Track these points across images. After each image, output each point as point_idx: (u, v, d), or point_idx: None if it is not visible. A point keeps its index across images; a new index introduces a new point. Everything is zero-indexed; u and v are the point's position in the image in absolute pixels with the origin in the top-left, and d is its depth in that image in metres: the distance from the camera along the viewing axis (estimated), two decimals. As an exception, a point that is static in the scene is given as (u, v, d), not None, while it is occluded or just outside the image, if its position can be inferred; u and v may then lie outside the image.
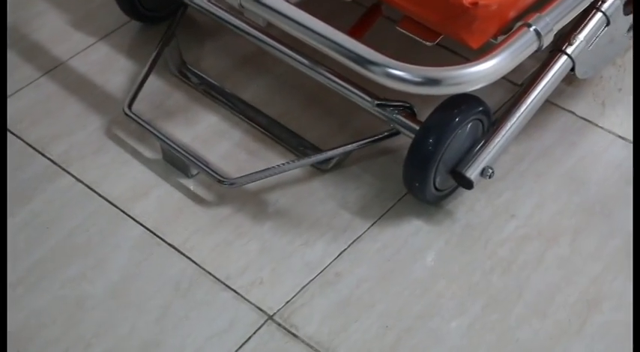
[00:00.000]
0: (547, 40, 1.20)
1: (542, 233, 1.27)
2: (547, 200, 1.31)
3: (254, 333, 1.17)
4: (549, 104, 1.42)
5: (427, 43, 1.22)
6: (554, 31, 1.21)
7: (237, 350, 1.15)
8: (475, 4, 1.15)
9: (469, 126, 1.24)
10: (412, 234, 1.27)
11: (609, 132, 1.40)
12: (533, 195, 1.32)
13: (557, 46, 1.30)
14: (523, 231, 1.27)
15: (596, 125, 1.41)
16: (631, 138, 1.38)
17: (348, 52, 1.18)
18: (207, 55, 1.51)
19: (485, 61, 1.16)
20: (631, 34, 1.39)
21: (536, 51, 1.19)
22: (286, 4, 1.23)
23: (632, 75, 1.44)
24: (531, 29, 1.18)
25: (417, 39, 1.23)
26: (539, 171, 1.35)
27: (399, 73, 1.16)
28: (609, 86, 1.46)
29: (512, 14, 1.20)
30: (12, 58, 1.51)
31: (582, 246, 1.26)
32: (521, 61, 1.18)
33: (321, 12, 1.22)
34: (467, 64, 1.15)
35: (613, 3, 1.31)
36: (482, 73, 1.15)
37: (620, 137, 1.39)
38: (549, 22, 1.20)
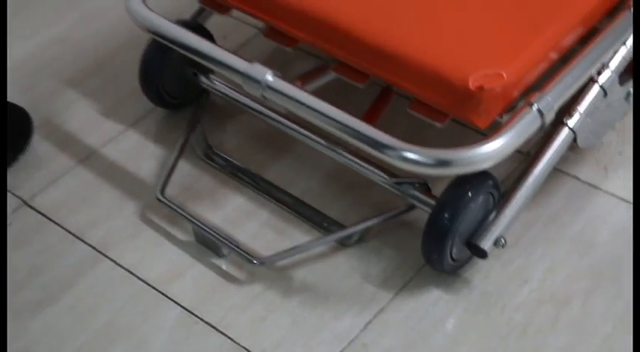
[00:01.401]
0: (549, 117, 1.29)
1: (554, 296, 1.35)
2: (558, 264, 1.39)
3: (289, 405, 1.25)
4: (555, 170, 1.50)
5: (437, 125, 1.32)
6: (556, 109, 1.30)
7: None
8: (481, 88, 1.24)
9: (481, 199, 1.32)
10: (432, 303, 1.35)
11: (613, 195, 1.48)
12: (545, 259, 1.40)
13: (559, 119, 1.39)
14: (536, 295, 1.36)
15: (600, 189, 1.50)
16: (632, 199, 1.47)
17: (365, 137, 1.28)
18: (231, 137, 1.60)
19: (493, 141, 1.25)
20: (629, 100, 1.48)
21: (539, 128, 1.28)
22: (305, 94, 1.32)
23: (632, 127, 1.53)
24: (534, 108, 1.27)
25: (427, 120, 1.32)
26: (549, 236, 1.43)
27: (413, 156, 1.25)
28: (610, 151, 1.55)
29: (515, 94, 1.29)
30: (47, 148, 1.60)
31: (593, 308, 1.34)
32: (526, 139, 1.27)
33: (338, 95, 1.31)
34: (475, 145, 1.24)
35: (609, 77, 1.40)
36: (491, 153, 1.25)
37: (623, 200, 1.47)
38: (550, 101, 1.29)
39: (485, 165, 1.25)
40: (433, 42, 1.31)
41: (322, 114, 1.31)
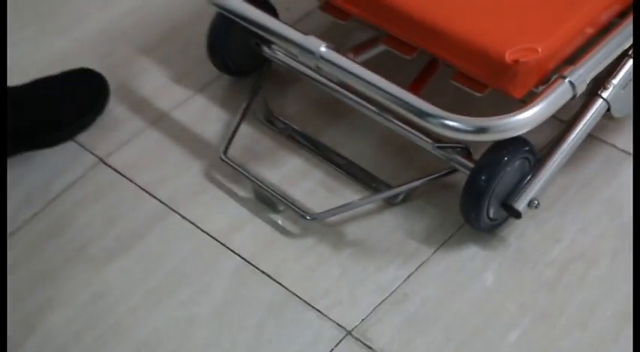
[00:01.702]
0: (580, 89, 1.39)
1: (584, 255, 1.46)
2: (589, 225, 1.50)
3: (335, 346, 1.38)
4: (593, 138, 1.60)
5: (477, 94, 1.43)
6: (587, 81, 1.40)
7: (322, 360, 1.37)
8: (516, 61, 1.35)
9: (517, 163, 1.43)
10: (470, 258, 1.47)
11: (646, 162, 1.58)
12: (577, 221, 1.50)
13: (594, 90, 1.49)
14: (567, 253, 1.47)
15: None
16: (666, 167, 1.56)
17: (409, 106, 1.39)
18: (290, 103, 1.73)
19: (527, 110, 1.35)
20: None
21: (571, 99, 1.39)
22: (356, 65, 1.44)
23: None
24: (566, 81, 1.38)
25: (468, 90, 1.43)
26: (582, 199, 1.53)
27: (453, 124, 1.36)
28: (645, 121, 1.64)
29: (550, 67, 1.39)
30: (122, 111, 1.74)
31: (620, 266, 1.44)
32: (557, 109, 1.37)
33: (389, 64, 1.43)
34: (511, 114, 1.35)
35: (643, 50, 1.49)
36: (524, 121, 1.35)
37: (656, 167, 1.57)
38: (582, 74, 1.39)
39: (518, 132, 1.36)
40: (474, 18, 1.41)
41: (370, 83, 1.42)
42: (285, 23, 1.54)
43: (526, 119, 1.35)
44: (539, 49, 1.36)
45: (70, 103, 1.70)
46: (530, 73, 1.37)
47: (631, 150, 1.60)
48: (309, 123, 1.68)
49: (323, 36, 1.48)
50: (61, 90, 1.72)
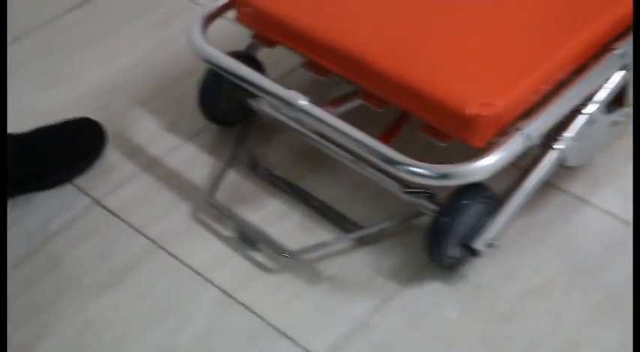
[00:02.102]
0: (534, 141, 1.53)
1: (537, 291, 1.59)
2: (543, 264, 1.63)
3: (307, 371, 1.50)
4: (549, 185, 1.74)
5: (442, 144, 1.57)
6: (541, 134, 1.54)
7: (294, 385, 1.49)
8: (476, 115, 1.49)
9: (477, 207, 1.57)
10: (432, 293, 1.60)
11: (597, 208, 1.71)
12: (532, 260, 1.63)
13: (550, 142, 1.63)
14: (522, 289, 1.59)
15: (588, 202, 1.73)
16: (616, 212, 1.70)
17: (379, 154, 1.52)
18: (273, 151, 1.87)
19: (484, 159, 1.48)
20: (617, 128, 1.71)
21: (525, 149, 1.53)
22: (332, 117, 1.58)
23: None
24: (521, 133, 1.52)
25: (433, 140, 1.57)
26: (538, 240, 1.67)
27: (418, 170, 1.49)
28: (600, 170, 1.78)
29: (506, 121, 1.53)
30: (118, 156, 1.88)
31: (570, 300, 1.57)
32: (512, 158, 1.51)
33: (364, 118, 1.57)
34: (470, 162, 1.49)
35: (595, 108, 1.64)
36: (482, 168, 1.48)
37: (606, 212, 1.70)
38: (537, 127, 1.53)
39: (476, 178, 1.49)
40: (439, 76, 1.55)
41: (344, 133, 1.56)
42: (270, 79, 1.68)
43: (484, 167, 1.48)
44: (497, 105, 1.50)
45: (69, 149, 1.84)
46: (488, 126, 1.51)
47: (585, 197, 1.73)
48: (290, 170, 1.82)
49: (306, 90, 1.63)
50: (61, 138, 1.86)
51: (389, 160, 1.51)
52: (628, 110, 1.72)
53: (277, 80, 1.67)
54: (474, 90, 1.52)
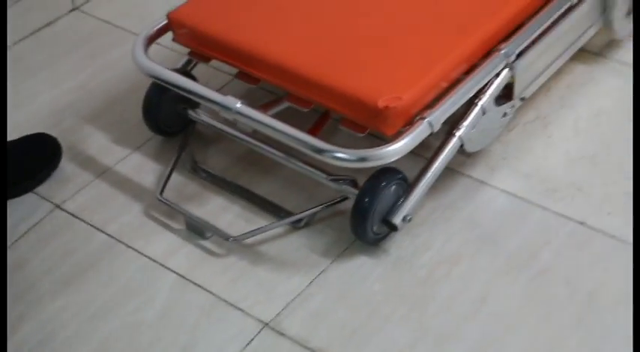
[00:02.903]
0: (437, 128, 1.80)
1: (449, 258, 1.86)
2: (453, 236, 1.90)
3: (255, 335, 1.74)
4: (453, 171, 2.02)
5: (359, 135, 1.83)
6: (442, 121, 1.82)
7: (243, 349, 1.73)
8: (386, 107, 1.76)
9: (392, 188, 1.83)
10: (359, 266, 1.85)
11: (496, 188, 1.99)
12: (443, 234, 1.90)
13: (450, 130, 1.90)
14: (436, 258, 1.86)
15: (487, 184, 2.00)
16: (512, 191, 1.98)
17: (307, 144, 1.78)
18: (212, 155, 2.11)
19: (396, 143, 1.75)
20: (505, 119, 2.00)
21: (429, 135, 1.80)
22: (265, 116, 1.84)
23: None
24: (425, 121, 1.79)
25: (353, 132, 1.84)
26: (447, 217, 1.94)
27: (341, 155, 1.76)
28: (496, 156, 2.06)
29: (412, 112, 1.80)
30: (73, 167, 2.11)
31: (477, 264, 1.84)
32: (419, 141, 1.78)
33: (292, 119, 1.83)
34: (383, 146, 1.75)
35: (486, 100, 1.92)
36: (394, 151, 1.75)
37: (504, 191, 1.98)
38: (438, 116, 1.81)
39: (390, 160, 1.75)
40: (354, 75, 1.82)
41: (277, 130, 1.82)
42: (209, 87, 1.94)
43: (395, 149, 1.75)
44: (404, 98, 1.77)
45: (29, 161, 2.06)
46: (397, 116, 1.78)
47: (485, 180, 2.01)
48: (228, 170, 2.07)
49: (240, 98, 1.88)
50: (20, 151, 2.07)
51: (317, 149, 1.77)
52: (514, 102, 2.00)
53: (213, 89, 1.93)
54: (384, 86, 1.79)
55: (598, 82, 2.24)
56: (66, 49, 2.49)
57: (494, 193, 1.99)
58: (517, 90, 2.00)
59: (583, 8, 2.12)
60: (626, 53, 2.31)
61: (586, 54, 2.30)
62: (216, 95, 1.90)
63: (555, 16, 2.04)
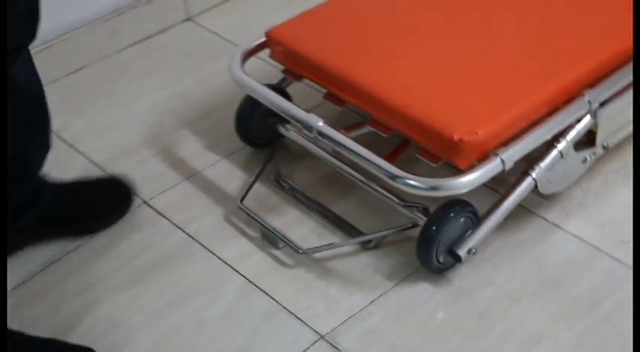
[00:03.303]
0: (509, 166, 1.84)
1: (509, 295, 1.89)
2: (516, 275, 1.92)
3: (310, 345, 1.80)
4: (528, 212, 2.05)
5: (433, 165, 1.88)
6: (515, 159, 1.85)
7: (299, 356, 1.80)
8: (461, 140, 1.81)
9: (461, 220, 1.88)
10: (421, 291, 1.90)
11: (569, 233, 2.01)
12: (507, 271, 1.93)
13: (526, 169, 1.94)
14: (496, 294, 1.89)
15: (561, 228, 2.03)
16: (585, 238, 1.99)
17: (382, 169, 1.84)
18: (296, 170, 2.19)
19: (467, 175, 1.80)
20: (585, 164, 2.02)
21: (501, 172, 1.84)
22: (344, 137, 1.90)
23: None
24: (498, 158, 1.83)
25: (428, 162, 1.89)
26: (514, 256, 1.96)
27: (413, 183, 1.81)
28: (573, 202, 2.08)
29: (488, 148, 1.85)
30: (164, 168, 2.22)
31: (536, 305, 1.87)
32: (490, 177, 1.82)
33: (371, 144, 1.90)
34: (454, 177, 1.80)
35: (565, 144, 1.95)
36: (464, 183, 1.79)
37: (576, 237, 2.00)
38: (512, 154, 1.85)
39: (459, 191, 1.80)
40: (434, 105, 1.87)
41: (353, 151, 1.89)
42: (296, 105, 2.02)
43: (463, 182, 1.79)
44: (480, 133, 1.82)
45: (100, 204, 2.10)
46: (471, 150, 1.83)
47: (559, 223, 2.04)
48: (309, 186, 2.14)
49: (328, 120, 1.95)
50: (94, 193, 2.11)
51: (388, 174, 1.83)
52: (596, 150, 2.02)
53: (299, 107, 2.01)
54: (462, 119, 1.84)
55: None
56: (174, 57, 2.61)
57: (566, 238, 2.01)
58: (599, 137, 2.02)
59: (679, 63, 2.12)
60: None
61: (681, 110, 2.29)
62: (301, 112, 1.98)
63: (646, 68, 2.04)
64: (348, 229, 2.04)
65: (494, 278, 1.92)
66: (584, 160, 2.02)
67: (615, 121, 2.06)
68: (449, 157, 1.85)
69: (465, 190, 1.81)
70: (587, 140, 2.02)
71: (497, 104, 1.89)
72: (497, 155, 1.83)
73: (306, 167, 2.20)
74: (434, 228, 1.86)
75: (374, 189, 2.00)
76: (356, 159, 1.90)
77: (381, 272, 1.94)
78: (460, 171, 1.84)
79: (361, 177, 2.02)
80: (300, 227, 2.05)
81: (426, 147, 1.89)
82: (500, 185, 1.94)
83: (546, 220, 2.05)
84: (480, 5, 2.14)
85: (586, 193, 2.10)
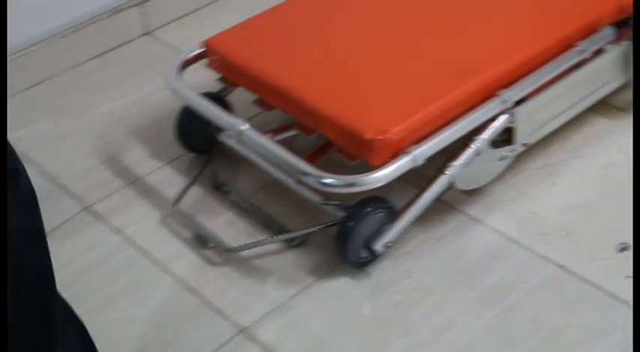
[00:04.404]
0: (421, 162, 1.92)
1: (425, 286, 1.96)
2: (433, 268, 2.00)
3: (231, 338, 1.89)
4: (451, 207, 2.12)
5: (351, 163, 1.97)
6: (427, 156, 1.93)
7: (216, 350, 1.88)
8: (373, 139, 1.89)
9: (378, 215, 1.96)
10: (340, 285, 1.98)
11: (489, 227, 2.09)
12: (426, 264, 2.01)
13: (443, 167, 2.01)
14: (413, 285, 1.97)
15: (481, 223, 2.10)
16: (503, 231, 2.06)
17: (298, 170, 1.93)
18: (234, 175, 2.28)
19: (379, 171, 1.88)
20: (503, 162, 2.09)
21: (412, 168, 1.92)
22: (263, 138, 2.00)
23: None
24: (409, 155, 1.91)
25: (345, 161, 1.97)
26: (434, 250, 2.04)
27: (327, 181, 1.90)
28: (496, 197, 2.16)
29: (401, 146, 1.93)
30: (108, 175, 2.32)
31: (450, 294, 1.94)
32: (401, 173, 1.90)
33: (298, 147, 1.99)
34: (367, 174, 1.88)
35: (481, 141, 2.02)
36: (376, 178, 1.87)
37: (495, 230, 2.07)
38: (423, 151, 1.93)
39: (370, 187, 1.87)
40: (350, 106, 1.96)
41: (271, 152, 1.98)
42: (225, 111, 2.11)
43: (378, 177, 1.88)
44: (391, 131, 1.90)
45: None
46: (383, 148, 1.91)
47: (480, 218, 2.11)
48: (245, 189, 2.23)
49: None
50: None
51: (304, 172, 1.92)
52: (515, 147, 2.10)
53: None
54: (375, 119, 1.92)
55: (615, 137, 2.30)
56: (131, 70, 2.71)
57: (485, 231, 2.08)
58: (519, 135, 2.09)
59: (599, 63, 2.20)
60: (651, 111, 2.35)
61: (610, 108, 2.37)
62: (225, 116, 2.07)
63: (562, 69, 2.11)
64: (279, 229, 2.12)
65: (413, 271, 2.00)
66: (503, 157, 2.10)
67: (535, 120, 2.13)
68: (363, 155, 1.93)
69: (377, 185, 1.89)
70: (508, 138, 2.09)
71: (411, 104, 1.97)
72: (408, 152, 1.91)
73: (243, 171, 2.29)
74: (350, 224, 1.94)
75: (298, 188, 2.08)
76: (275, 160, 1.98)
77: (305, 268, 2.03)
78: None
79: (289, 179, 2.10)
80: (233, 228, 2.14)
81: (342, 146, 1.97)
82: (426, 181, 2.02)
83: (468, 215, 2.12)
84: (398, 8, 2.23)
85: (509, 189, 2.18)
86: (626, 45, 2.23)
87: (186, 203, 2.19)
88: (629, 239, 2.00)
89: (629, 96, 2.37)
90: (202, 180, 2.25)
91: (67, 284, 2.02)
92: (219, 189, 2.25)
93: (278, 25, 2.25)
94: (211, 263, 2.06)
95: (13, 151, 1.26)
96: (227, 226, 2.14)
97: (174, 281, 2.03)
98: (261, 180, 2.24)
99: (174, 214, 2.16)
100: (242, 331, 1.90)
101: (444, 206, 2.11)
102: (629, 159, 2.22)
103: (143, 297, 2.00)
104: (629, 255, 1.97)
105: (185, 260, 2.07)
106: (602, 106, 2.34)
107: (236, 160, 2.30)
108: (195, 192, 2.23)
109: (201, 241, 2.09)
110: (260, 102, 2.15)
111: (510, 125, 2.07)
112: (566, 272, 1.97)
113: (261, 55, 2.16)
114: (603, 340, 1.81)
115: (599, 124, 2.34)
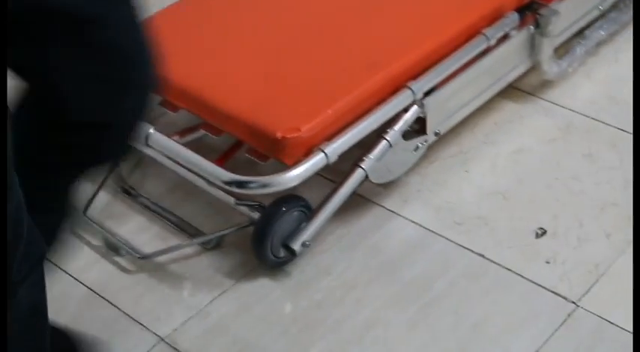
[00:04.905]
0: (333, 159, 1.89)
1: (346, 283, 1.94)
2: (354, 263, 1.98)
3: (151, 348, 1.84)
4: (367, 201, 2.10)
5: (262, 163, 1.93)
6: (339, 153, 1.90)
7: (140, 359, 1.83)
8: (284, 137, 1.86)
9: (293, 214, 1.92)
10: (259, 287, 1.94)
11: (406, 219, 2.07)
12: (346, 260, 1.98)
13: (356, 161, 1.99)
14: (334, 283, 1.94)
15: (398, 215, 2.09)
16: (421, 222, 2.05)
17: (208, 174, 1.89)
18: (144, 178, 2.22)
19: (292, 170, 1.85)
20: (417, 152, 2.08)
21: (325, 166, 1.89)
22: (171, 142, 1.95)
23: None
24: (321, 152, 1.88)
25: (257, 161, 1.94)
26: (353, 244, 2.02)
27: (238, 182, 1.86)
28: (411, 189, 2.14)
29: (312, 143, 1.89)
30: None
31: (371, 291, 1.92)
32: (315, 171, 1.87)
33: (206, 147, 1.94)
34: (279, 174, 1.85)
35: (393, 133, 2.00)
36: (289, 178, 1.84)
37: (412, 222, 2.06)
38: (335, 148, 1.90)
39: (283, 187, 1.85)
40: (258, 107, 1.92)
41: (179, 154, 1.93)
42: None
43: (291, 177, 1.85)
44: (302, 129, 1.87)
45: None
46: (295, 147, 1.87)
47: (396, 210, 2.09)
48: (155, 192, 2.18)
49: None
50: None
51: (214, 176, 1.87)
52: (427, 137, 2.08)
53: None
54: (284, 117, 1.89)
55: (525, 121, 2.31)
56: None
57: (403, 223, 2.06)
58: (429, 125, 2.08)
59: (504, 49, 2.20)
60: (558, 93, 2.37)
61: (518, 92, 2.38)
62: (132, 121, 2.00)
63: (469, 57, 2.11)
64: (193, 232, 2.07)
65: (332, 269, 1.97)
66: (416, 148, 2.08)
67: (445, 108, 2.12)
68: (275, 154, 1.89)
69: (291, 185, 1.86)
70: (420, 128, 2.08)
71: (320, 100, 1.94)
72: (320, 149, 1.88)
73: (153, 174, 2.23)
74: (265, 224, 1.90)
75: (211, 190, 2.03)
76: (183, 164, 1.93)
77: (222, 271, 1.98)
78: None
79: (200, 180, 2.05)
80: (145, 233, 2.08)
81: (253, 146, 1.93)
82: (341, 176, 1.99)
83: (384, 208, 2.11)
84: (304, 4, 2.20)
85: (423, 179, 2.17)
86: (531, 29, 2.23)
87: (94, 209, 2.12)
88: (546, 224, 2.00)
89: (535, 79, 2.38)
90: (111, 186, 2.18)
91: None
92: (127, 193, 2.18)
93: (181, 22, 2.20)
94: (125, 271, 2.01)
95: None
96: (139, 231, 2.09)
97: (87, 291, 1.97)
98: (172, 181, 2.19)
99: (83, 222, 2.09)
100: (161, 340, 1.85)
101: (360, 200, 2.09)
102: (540, 143, 2.23)
103: (57, 310, 1.92)
104: (548, 240, 1.97)
105: (98, 269, 2.02)
106: (510, 91, 2.34)
107: (144, 161, 2.24)
108: (104, 198, 2.17)
109: (113, 248, 2.03)
110: (165, 102, 2.09)
111: (421, 115, 2.05)
112: (486, 260, 1.96)
113: (162, 53, 2.09)
114: (527, 327, 1.81)
115: (508, 109, 2.34)
